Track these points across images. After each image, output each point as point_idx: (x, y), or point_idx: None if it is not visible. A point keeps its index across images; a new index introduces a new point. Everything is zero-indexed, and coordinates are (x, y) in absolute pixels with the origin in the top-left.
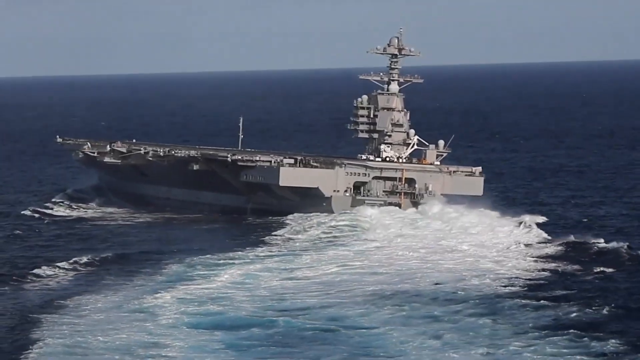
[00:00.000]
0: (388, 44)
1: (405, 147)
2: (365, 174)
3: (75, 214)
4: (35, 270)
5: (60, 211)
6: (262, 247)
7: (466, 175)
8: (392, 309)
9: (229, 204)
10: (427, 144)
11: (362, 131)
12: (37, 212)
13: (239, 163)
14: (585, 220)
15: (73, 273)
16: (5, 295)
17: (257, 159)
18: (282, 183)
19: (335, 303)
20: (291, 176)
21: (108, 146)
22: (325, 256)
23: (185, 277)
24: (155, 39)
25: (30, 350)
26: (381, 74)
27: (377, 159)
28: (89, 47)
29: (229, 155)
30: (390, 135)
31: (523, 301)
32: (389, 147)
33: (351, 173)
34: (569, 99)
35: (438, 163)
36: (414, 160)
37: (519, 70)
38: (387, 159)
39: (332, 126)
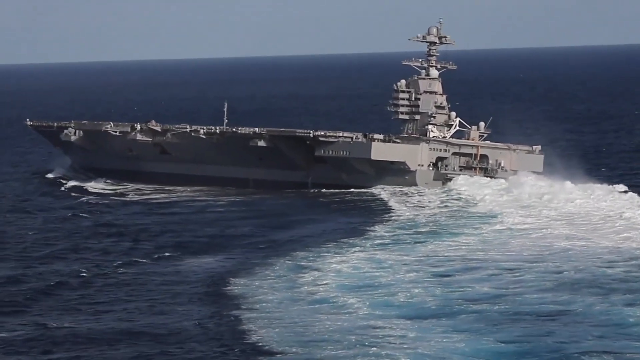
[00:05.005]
0: (427, 33)
1: (447, 128)
2: (446, 150)
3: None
4: (169, 257)
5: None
6: (380, 227)
7: (527, 153)
8: (589, 294)
9: (285, 180)
10: (468, 125)
11: (402, 113)
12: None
13: (321, 139)
14: None
15: (207, 257)
16: (162, 290)
17: (340, 134)
18: (373, 157)
19: (520, 289)
20: (382, 150)
21: (138, 125)
22: (460, 236)
23: (323, 262)
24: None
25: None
26: (420, 60)
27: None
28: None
29: (310, 132)
30: (434, 117)
31: None
32: (434, 127)
33: (434, 149)
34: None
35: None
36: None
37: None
38: (434, 137)
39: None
